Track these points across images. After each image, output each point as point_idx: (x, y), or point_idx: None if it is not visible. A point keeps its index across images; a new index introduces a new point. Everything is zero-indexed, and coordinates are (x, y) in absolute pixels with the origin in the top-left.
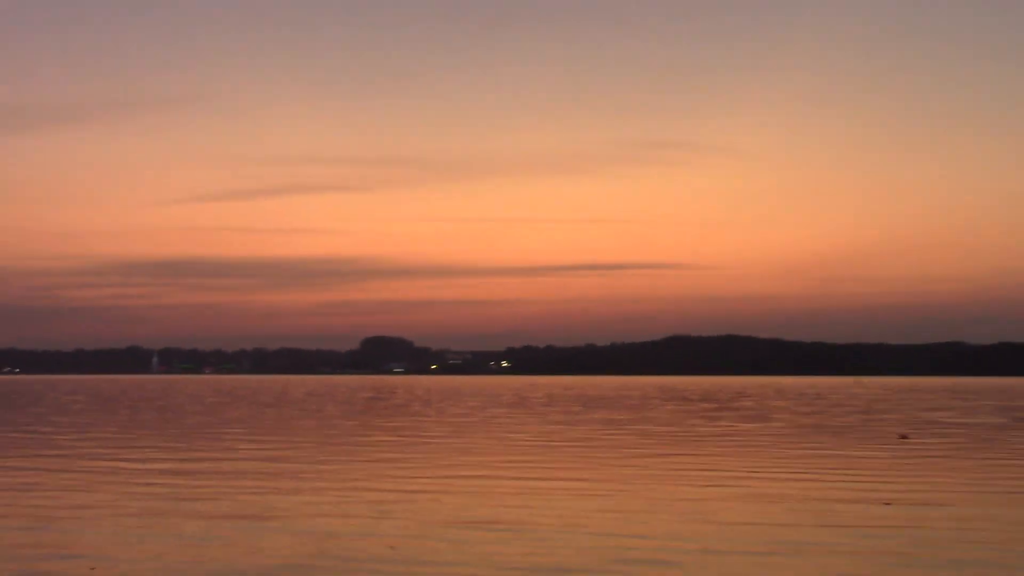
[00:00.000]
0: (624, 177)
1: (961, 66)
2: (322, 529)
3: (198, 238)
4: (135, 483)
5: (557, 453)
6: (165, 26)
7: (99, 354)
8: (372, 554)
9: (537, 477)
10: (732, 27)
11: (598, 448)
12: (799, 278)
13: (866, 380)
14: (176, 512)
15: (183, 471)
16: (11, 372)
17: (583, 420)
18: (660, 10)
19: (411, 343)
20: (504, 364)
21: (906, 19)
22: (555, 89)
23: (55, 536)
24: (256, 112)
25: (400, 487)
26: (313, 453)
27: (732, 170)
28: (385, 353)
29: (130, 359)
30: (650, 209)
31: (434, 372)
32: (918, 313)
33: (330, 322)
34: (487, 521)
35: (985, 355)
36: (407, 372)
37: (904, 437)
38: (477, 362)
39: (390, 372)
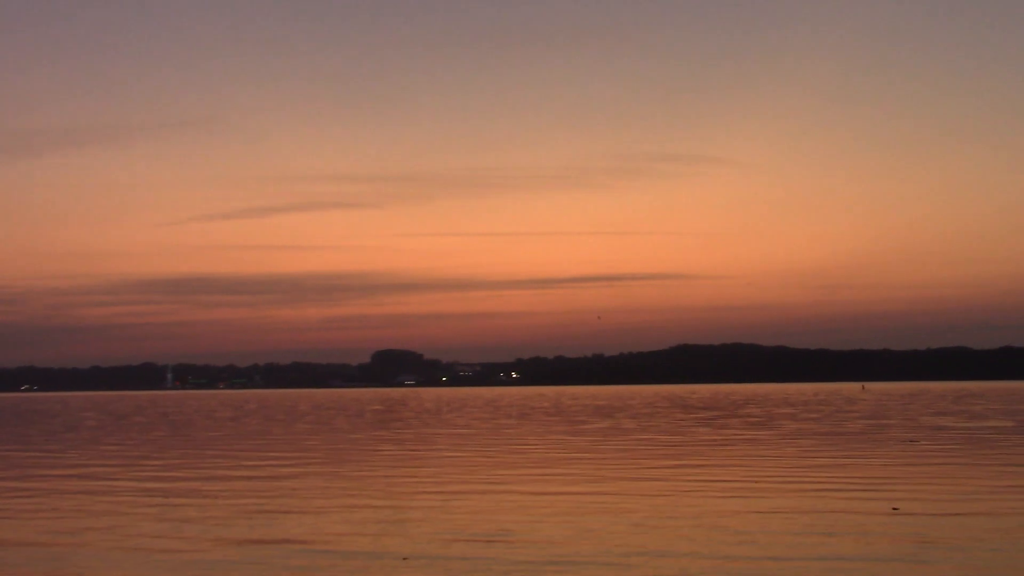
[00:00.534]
0: (631, 190)
1: (958, 76)
2: (334, 545)
3: (211, 256)
4: (137, 504)
5: (564, 464)
6: (179, 50)
7: (114, 371)
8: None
9: (543, 490)
10: (733, 45)
11: (605, 457)
12: (803, 286)
13: (871, 386)
14: (183, 535)
15: (183, 490)
16: (29, 390)
17: (588, 430)
18: (664, 29)
19: (421, 356)
20: (513, 375)
21: (903, 31)
22: (562, 106)
23: (55, 564)
24: (268, 133)
25: (405, 501)
26: (320, 467)
27: (736, 182)
28: (396, 366)
29: (145, 375)
30: (656, 221)
31: (444, 384)
32: (921, 319)
33: (341, 336)
34: (495, 532)
35: (989, 360)
36: (418, 384)
37: (912, 441)
38: (487, 373)
39: (401, 384)
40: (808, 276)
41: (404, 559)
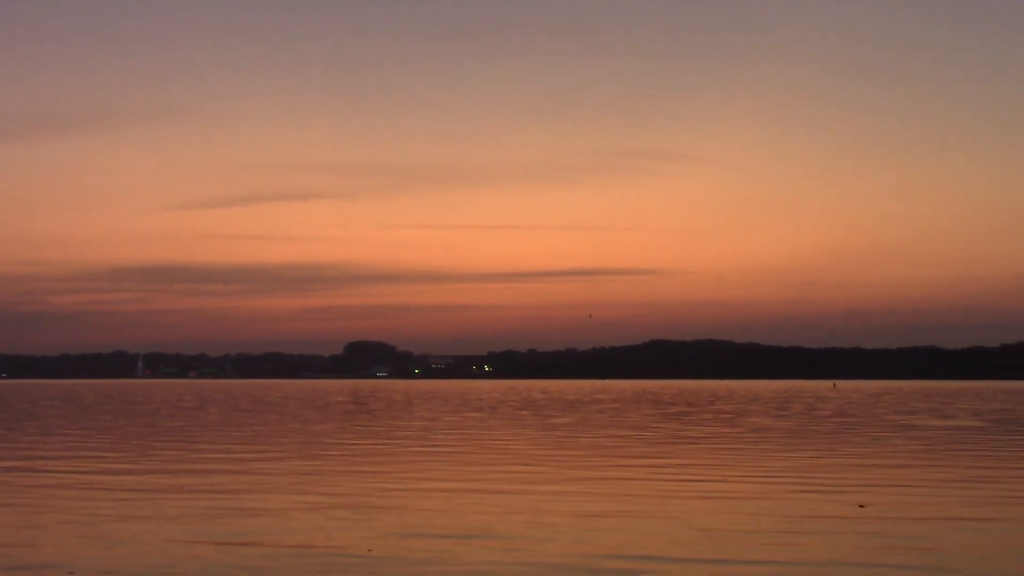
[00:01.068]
0: (604, 185)
1: (933, 79)
2: (299, 540)
3: (184, 244)
4: (93, 495)
5: (529, 459)
6: (157, 36)
7: (84, 359)
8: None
9: (509, 482)
10: (710, 41)
11: (571, 452)
12: (776, 284)
13: (842, 384)
14: (132, 532)
15: (132, 484)
16: None
17: (557, 424)
18: (643, 26)
19: (394, 348)
20: (486, 368)
21: (880, 35)
22: (541, 100)
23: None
24: (241, 122)
25: (367, 497)
26: (282, 460)
27: (709, 178)
28: (368, 358)
29: (115, 364)
30: (630, 216)
31: (417, 376)
32: (892, 318)
33: (314, 327)
34: (458, 530)
35: (959, 359)
36: (390, 376)
37: (876, 439)
38: (459, 366)
39: (373, 376)
40: (781, 274)
41: (368, 551)
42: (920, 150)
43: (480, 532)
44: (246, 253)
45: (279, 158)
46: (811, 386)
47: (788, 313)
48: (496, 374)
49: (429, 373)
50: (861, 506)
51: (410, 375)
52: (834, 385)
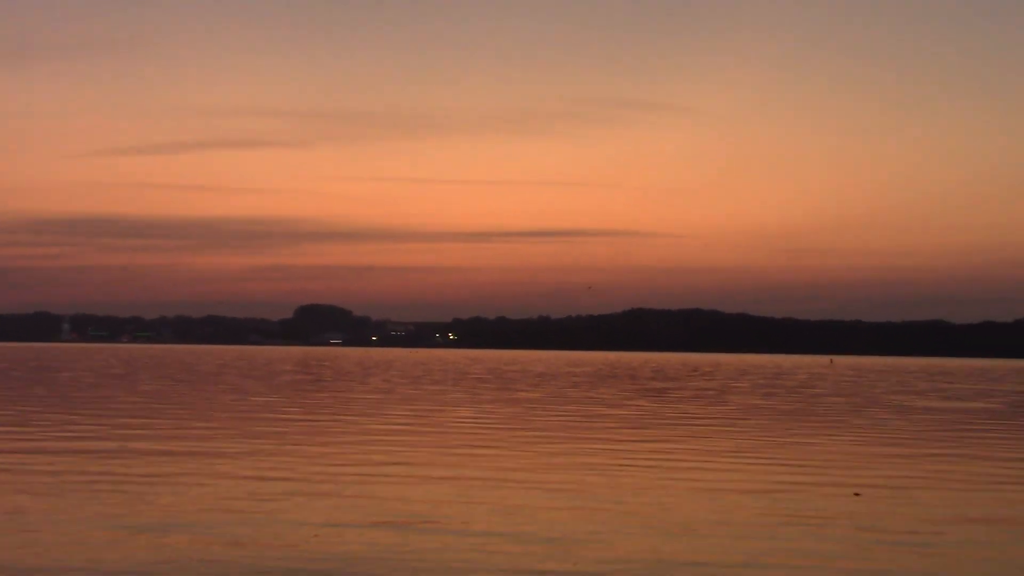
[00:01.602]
0: (583, 137)
1: (950, 23)
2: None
3: (117, 194)
4: None
5: (487, 438)
6: None
7: (3, 320)
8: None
9: (457, 467)
10: None
11: (538, 430)
12: (769, 249)
13: (839, 360)
14: (26, 521)
15: (22, 467)
16: None
17: (523, 399)
18: None
19: (350, 312)
20: (451, 336)
21: None
22: (511, 42)
23: None
24: (181, 59)
25: (307, 480)
26: (210, 439)
27: (698, 132)
28: (321, 323)
29: (39, 325)
30: (609, 172)
31: (374, 344)
32: (896, 289)
33: (262, 288)
34: (405, 514)
35: (968, 335)
36: (345, 344)
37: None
38: (421, 334)
39: (326, 343)
40: (775, 238)
41: (314, 536)
42: (933, 102)
43: (419, 522)
44: (186, 205)
45: (224, 100)
46: (806, 361)
47: (781, 281)
48: (462, 343)
49: (388, 341)
50: (857, 494)
51: (367, 343)
52: (831, 361)
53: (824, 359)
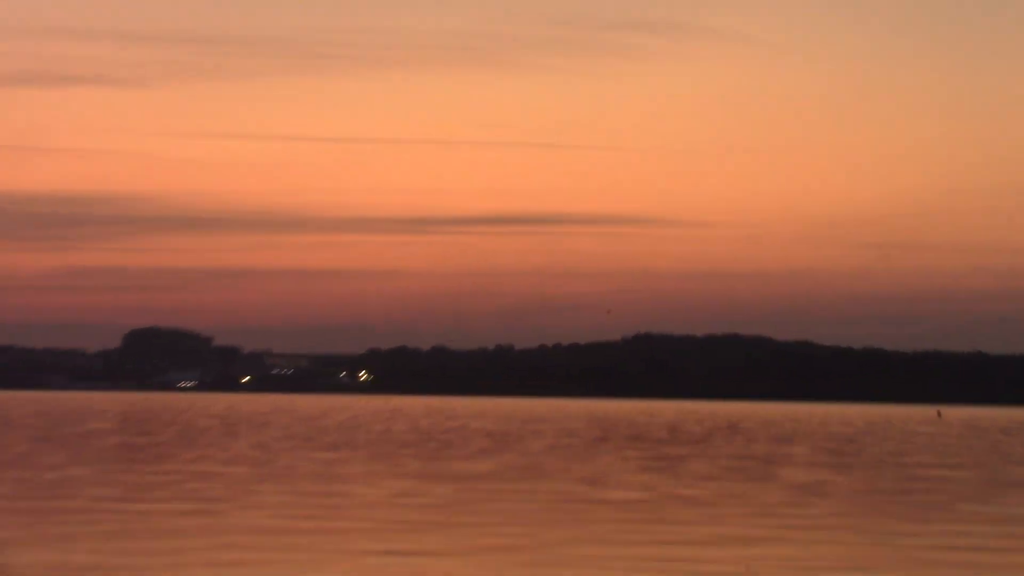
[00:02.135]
0: (563, 74)
1: None
2: None
3: None
4: None
5: (403, 541)
6: None
7: None
8: None
9: None
10: None
11: (476, 525)
12: (842, 244)
13: (949, 412)
14: None
15: None
16: None
17: (462, 474)
18: None
19: (209, 340)
20: (362, 376)
21: None
22: None
23: None
24: None
25: None
26: None
27: (736, 69)
28: (164, 356)
29: None
30: (603, 128)
31: (246, 387)
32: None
33: (72, 303)
34: None
35: None
36: (200, 387)
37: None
38: (318, 372)
39: (172, 387)
40: (846, 228)
41: None
42: None
43: None
44: None
45: (21, 19)
46: (899, 413)
47: (856, 293)
48: (379, 385)
49: (267, 383)
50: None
51: (235, 386)
52: (939, 414)
53: (931, 411)
